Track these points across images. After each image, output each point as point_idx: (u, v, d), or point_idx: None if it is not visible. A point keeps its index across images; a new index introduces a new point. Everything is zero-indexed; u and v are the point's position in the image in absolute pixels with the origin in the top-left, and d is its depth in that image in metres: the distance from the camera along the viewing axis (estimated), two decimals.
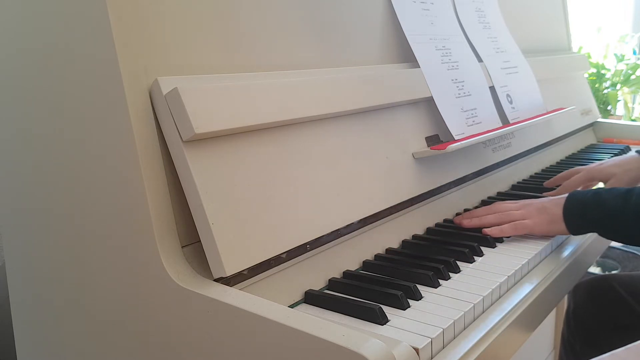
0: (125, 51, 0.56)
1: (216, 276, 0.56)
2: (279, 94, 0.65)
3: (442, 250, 0.76)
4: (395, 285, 0.64)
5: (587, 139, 1.53)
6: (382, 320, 0.58)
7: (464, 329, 0.60)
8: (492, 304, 0.65)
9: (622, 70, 2.66)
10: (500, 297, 0.67)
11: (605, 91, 2.63)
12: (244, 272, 0.58)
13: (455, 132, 0.90)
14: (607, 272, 2.20)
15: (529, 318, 0.67)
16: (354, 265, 0.72)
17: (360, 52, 0.84)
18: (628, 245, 2.25)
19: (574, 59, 1.53)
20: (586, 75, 1.94)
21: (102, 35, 0.56)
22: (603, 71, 2.64)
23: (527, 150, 1.17)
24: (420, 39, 0.92)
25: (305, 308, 0.62)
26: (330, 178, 0.70)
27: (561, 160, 1.32)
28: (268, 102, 0.63)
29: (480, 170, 0.99)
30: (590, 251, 0.88)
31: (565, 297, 1.29)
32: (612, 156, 1.32)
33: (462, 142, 0.85)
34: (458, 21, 1.05)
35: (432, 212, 0.88)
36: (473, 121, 0.95)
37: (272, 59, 0.71)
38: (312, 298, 0.64)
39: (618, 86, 2.64)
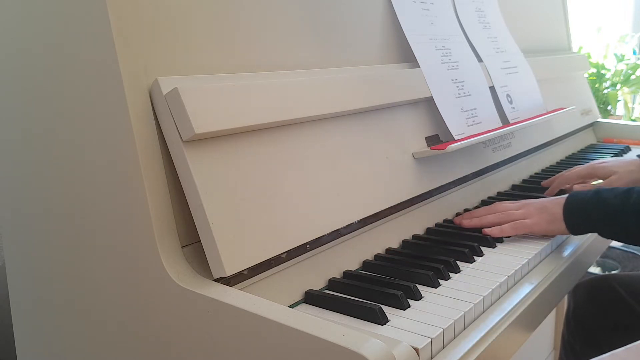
0: (125, 51, 0.56)
1: (216, 276, 0.56)
2: (279, 94, 0.65)
3: (442, 250, 0.76)
4: (395, 285, 0.64)
5: (587, 139, 1.53)
6: (382, 320, 0.58)
7: (464, 329, 0.60)
8: (492, 304, 0.65)
9: (622, 70, 2.65)
10: (500, 297, 0.67)
11: (605, 91, 2.63)
12: (244, 272, 0.58)
13: (455, 132, 0.90)
14: (607, 272, 2.19)
15: (529, 318, 0.67)
16: (354, 265, 0.72)
17: (360, 52, 0.84)
18: (628, 245, 2.24)
19: (574, 59, 1.53)
20: (586, 75, 1.94)
21: (102, 35, 0.56)
22: (603, 71, 2.64)
23: (527, 150, 1.17)
24: (420, 39, 0.92)
25: (305, 308, 0.62)
26: (330, 178, 0.70)
27: (561, 160, 1.32)
28: (268, 102, 0.63)
29: (480, 170, 0.99)
30: (590, 251, 0.88)
31: (565, 297, 1.29)
32: (612, 156, 1.32)
33: (462, 142, 0.85)
34: (458, 21, 1.05)
35: (432, 212, 0.88)
36: (473, 121, 0.95)
37: (272, 59, 0.71)
38: (312, 298, 0.64)
39: (618, 86, 2.64)
